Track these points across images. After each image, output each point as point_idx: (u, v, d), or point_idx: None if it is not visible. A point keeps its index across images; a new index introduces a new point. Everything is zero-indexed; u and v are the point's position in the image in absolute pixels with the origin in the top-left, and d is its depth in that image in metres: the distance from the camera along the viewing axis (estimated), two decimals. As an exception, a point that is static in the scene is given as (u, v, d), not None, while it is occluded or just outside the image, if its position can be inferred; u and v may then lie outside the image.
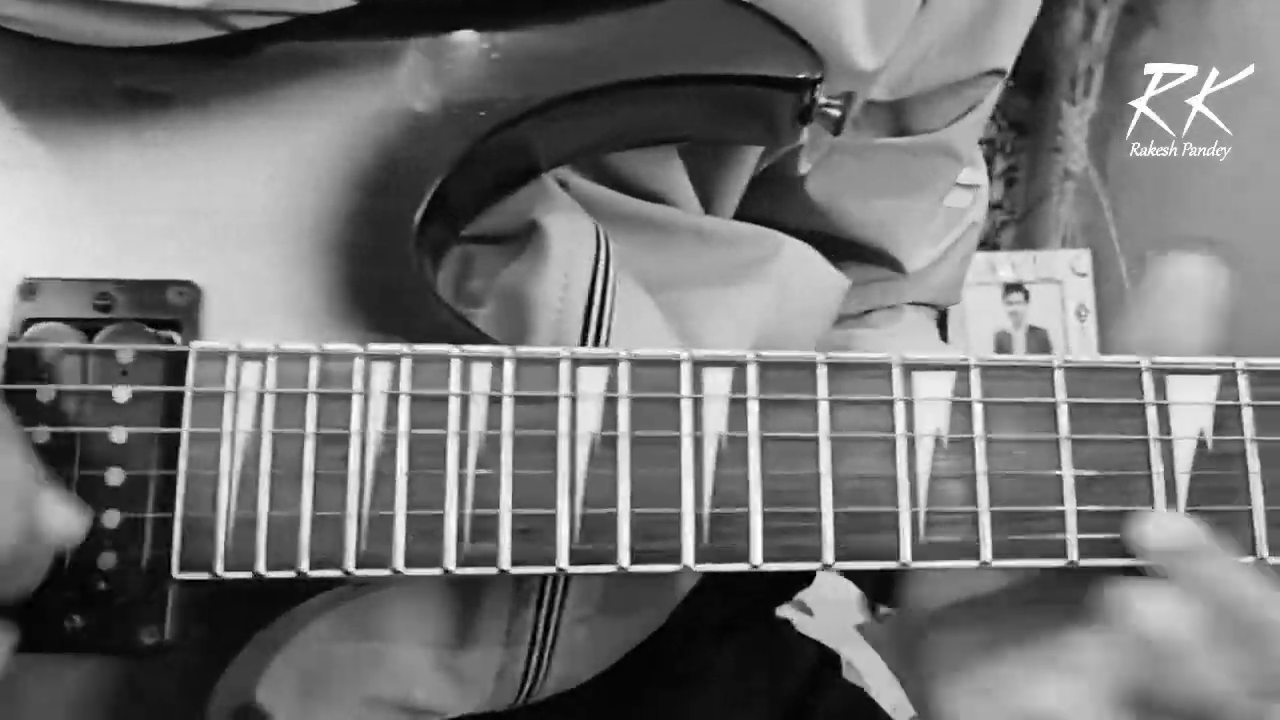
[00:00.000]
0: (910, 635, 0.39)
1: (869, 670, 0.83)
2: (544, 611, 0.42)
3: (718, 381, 0.34)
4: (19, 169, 0.36)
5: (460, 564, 0.33)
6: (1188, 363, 0.34)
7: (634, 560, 0.33)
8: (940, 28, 0.52)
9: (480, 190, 0.41)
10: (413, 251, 0.37)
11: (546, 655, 0.42)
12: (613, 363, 0.34)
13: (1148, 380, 0.34)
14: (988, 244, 2.22)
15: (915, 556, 0.33)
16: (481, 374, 0.34)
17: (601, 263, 0.41)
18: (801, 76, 0.39)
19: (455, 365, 0.34)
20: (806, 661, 0.58)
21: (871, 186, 0.55)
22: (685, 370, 0.34)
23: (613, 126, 0.41)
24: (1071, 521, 0.34)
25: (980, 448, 0.34)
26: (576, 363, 0.34)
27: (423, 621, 0.41)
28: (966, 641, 0.37)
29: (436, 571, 0.33)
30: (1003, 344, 1.94)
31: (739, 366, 0.34)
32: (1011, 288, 1.99)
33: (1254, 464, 0.34)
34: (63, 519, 0.30)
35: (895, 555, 0.33)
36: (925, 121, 0.55)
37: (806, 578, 0.65)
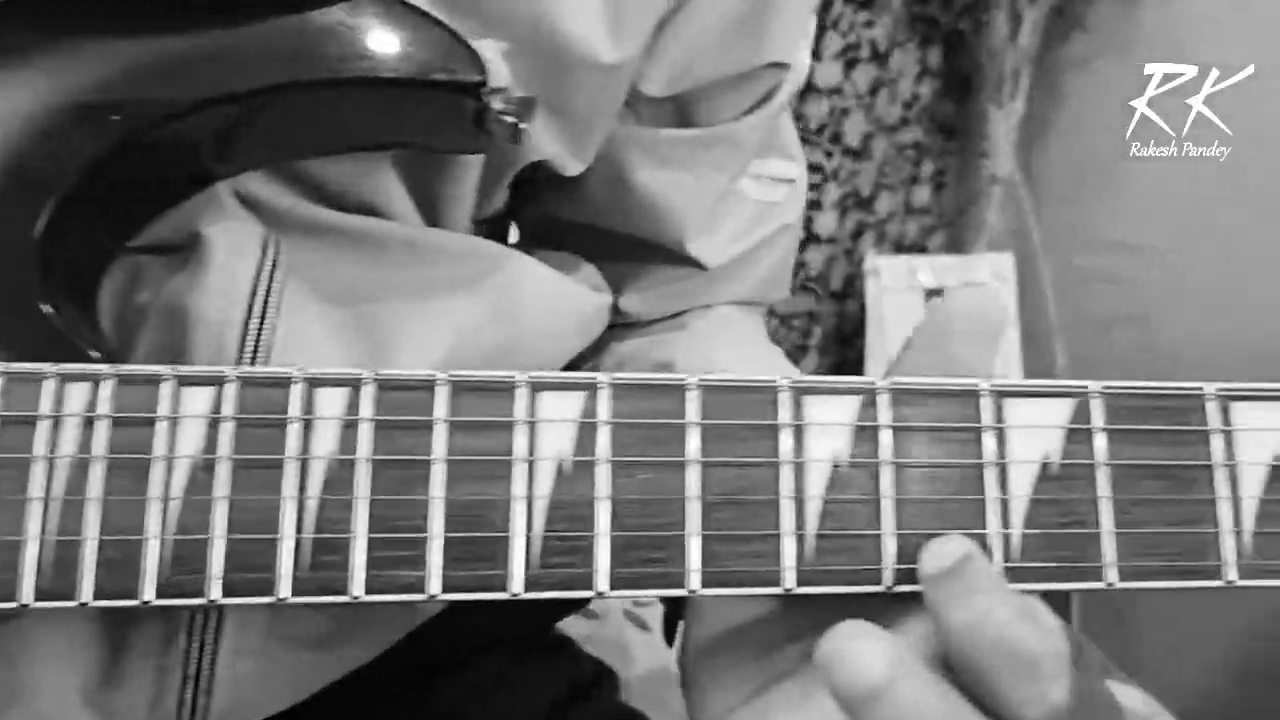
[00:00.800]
0: (691, 664, 0.36)
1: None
2: (195, 643, 0.39)
3: (331, 402, 0.32)
4: None
5: (38, 597, 0.31)
6: (827, 383, 0.33)
7: (226, 592, 0.31)
8: (707, 21, 0.50)
9: (136, 198, 0.38)
10: (29, 264, 0.35)
11: (205, 689, 0.40)
12: (219, 382, 0.32)
13: (785, 400, 0.32)
14: (914, 248, 2.22)
15: (528, 588, 0.32)
16: (78, 394, 0.32)
17: (265, 275, 0.39)
18: (458, 79, 0.37)
19: (49, 385, 0.32)
20: (580, 679, 0.56)
21: (653, 171, 0.54)
22: (296, 391, 0.32)
23: (281, 134, 0.39)
24: (694, 549, 0.32)
25: (603, 471, 0.32)
26: (182, 382, 0.32)
27: (69, 651, 0.39)
28: (740, 677, 0.35)
29: (12, 605, 0.31)
30: (920, 349, 1.92)
31: (355, 387, 0.32)
32: (932, 293, 1.98)
33: (887, 487, 0.32)
34: None
35: (504, 587, 0.31)
36: (710, 116, 0.54)
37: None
